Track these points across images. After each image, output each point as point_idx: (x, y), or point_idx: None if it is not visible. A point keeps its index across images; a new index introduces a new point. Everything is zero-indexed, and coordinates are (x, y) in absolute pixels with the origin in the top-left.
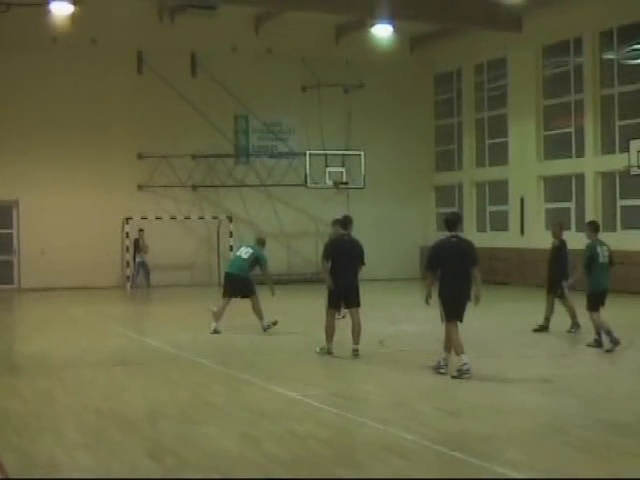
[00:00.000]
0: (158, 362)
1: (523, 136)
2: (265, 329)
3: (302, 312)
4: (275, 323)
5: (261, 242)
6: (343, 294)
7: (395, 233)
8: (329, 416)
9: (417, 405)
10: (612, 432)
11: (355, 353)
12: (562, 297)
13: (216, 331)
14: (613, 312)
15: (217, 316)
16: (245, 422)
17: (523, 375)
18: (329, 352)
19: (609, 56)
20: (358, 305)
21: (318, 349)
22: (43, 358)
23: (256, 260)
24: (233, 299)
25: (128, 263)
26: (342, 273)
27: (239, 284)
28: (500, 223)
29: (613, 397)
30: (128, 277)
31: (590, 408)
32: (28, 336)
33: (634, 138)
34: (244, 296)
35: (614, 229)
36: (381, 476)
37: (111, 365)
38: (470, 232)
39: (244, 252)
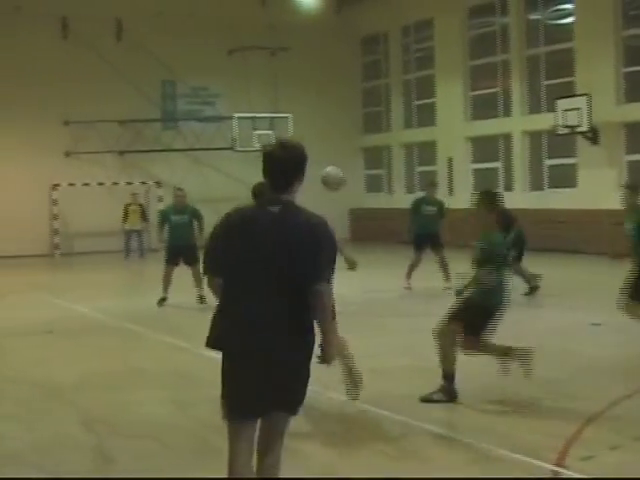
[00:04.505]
0: (87, 329)
1: (450, 97)
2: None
3: None
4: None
5: None
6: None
7: (324, 195)
8: None
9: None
10: (540, 389)
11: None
12: None
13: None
14: (540, 271)
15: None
16: (175, 387)
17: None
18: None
19: (535, 16)
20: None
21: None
22: None
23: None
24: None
25: (56, 231)
26: None
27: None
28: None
29: (541, 354)
30: (56, 245)
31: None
32: None
33: (560, 97)
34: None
35: (542, 188)
36: (312, 436)
37: (40, 334)
38: (399, 194)
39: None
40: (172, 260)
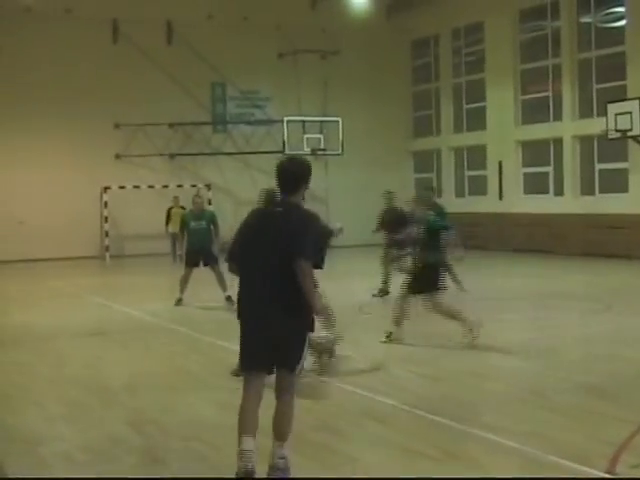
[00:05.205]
0: (137, 331)
1: (501, 101)
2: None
3: None
4: None
5: None
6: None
7: (374, 199)
8: (309, 382)
9: (396, 370)
10: (589, 395)
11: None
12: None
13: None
14: (590, 277)
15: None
16: (222, 388)
17: (501, 340)
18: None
19: (586, 20)
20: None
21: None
22: (23, 331)
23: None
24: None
25: (107, 233)
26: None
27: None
28: (479, 188)
29: (590, 360)
30: (107, 247)
31: (567, 371)
32: (7, 309)
33: (611, 101)
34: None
35: (592, 193)
36: (360, 440)
37: (91, 335)
38: (449, 197)
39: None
40: (191, 262)
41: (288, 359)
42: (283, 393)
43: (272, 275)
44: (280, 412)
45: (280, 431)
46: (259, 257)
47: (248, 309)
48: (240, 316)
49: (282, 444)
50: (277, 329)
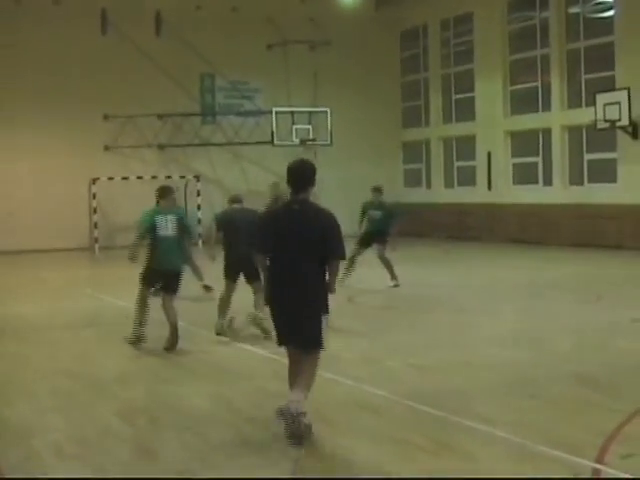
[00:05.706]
0: (128, 323)
1: (489, 91)
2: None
3: None
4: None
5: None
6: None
7: (363, 189)
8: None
9: (387, 361)
10: (579, 385)
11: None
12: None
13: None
14: (581, 267)
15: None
16: (216, 381)
17: (492, 330)
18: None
19: (575, 10)
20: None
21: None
22: (14, 322)
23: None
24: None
25: (96, 224)
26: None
27: None
28: (468, 179)
29: (581, 350)
30: (96, 239)
31: (558, 362)
32: None
33: (600, 92)
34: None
35: (581, 183)
36: (353, 431)
37: (82, 327)
38: (438, 188)
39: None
40: None
41: (312, 339)
42: (310, 357)
43: (298, 267)
44: (304, 368)
45: (302, 380)
46: (282, 249)
47: (278, 298)
48: (270, 302)
49: (300, 391)
50: (302, 315)
